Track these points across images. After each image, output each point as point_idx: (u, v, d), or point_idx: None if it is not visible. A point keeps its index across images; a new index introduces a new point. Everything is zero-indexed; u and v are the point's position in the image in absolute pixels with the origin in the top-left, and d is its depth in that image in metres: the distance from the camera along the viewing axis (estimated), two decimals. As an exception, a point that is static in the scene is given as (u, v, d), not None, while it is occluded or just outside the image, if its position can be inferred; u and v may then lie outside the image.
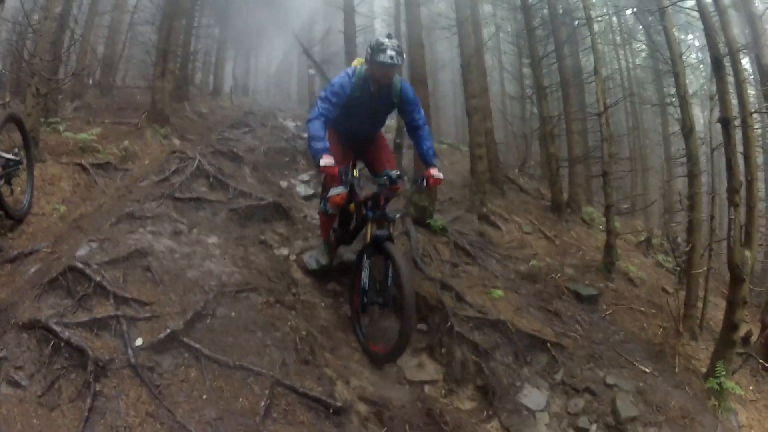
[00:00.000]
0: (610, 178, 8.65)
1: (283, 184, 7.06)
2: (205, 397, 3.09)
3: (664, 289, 8.97)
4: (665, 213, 12.10)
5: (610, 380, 4.76)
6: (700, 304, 7.48)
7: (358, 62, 4.80)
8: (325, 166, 4.28)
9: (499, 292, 5.65)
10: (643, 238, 11.33)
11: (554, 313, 5.71)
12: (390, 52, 4.33)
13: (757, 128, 7.68)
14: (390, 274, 4.35)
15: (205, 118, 9.97)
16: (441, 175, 4.72)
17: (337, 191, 4.58)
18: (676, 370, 6.05)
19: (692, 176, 7.70)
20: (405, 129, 5.38)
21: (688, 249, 8.00)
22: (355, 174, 4.73)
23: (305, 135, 9.86)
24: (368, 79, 4.63)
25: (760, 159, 7.77)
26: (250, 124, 9.98)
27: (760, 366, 7.21)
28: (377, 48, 4.38)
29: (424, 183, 4.68)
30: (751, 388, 6.65)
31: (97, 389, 2.93)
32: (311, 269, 5.28)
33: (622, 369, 5.09)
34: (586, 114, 12.24)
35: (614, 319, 6.66)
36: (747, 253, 6.39)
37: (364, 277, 4.45)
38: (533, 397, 4.41)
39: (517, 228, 7.23)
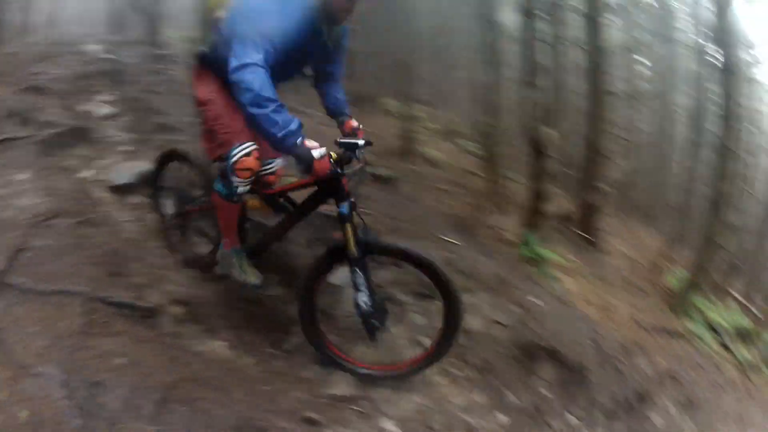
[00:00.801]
0: (411, 70, 8.75)
1: (85, 107, 6.82)
2: (35, 329, 3.03)
3: (469, 170, 9.29)
4: (471, 103, 12.52)
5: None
6: (506, 183, 7.89)
7: None
8: (321, 159, 2.77)
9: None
10: (447, 127, 11.68)
11: (352, 194, 5.63)
12: None
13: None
14: (369, 281, 3.28)
15: (17, 57, 9.43)
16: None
17: (248, 148, 3.10)
18: (485, 241, 6.20)
19: (494, 66, 8.27)
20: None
21: (492, 131, 8.29)
22: (333, 156, 3.00)
23: (106, 55, 9.73)
24: (318, 13, 3.02)
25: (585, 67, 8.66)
26: (58, 54, 9.70)
27: (584, 240, 7.75)
28: None
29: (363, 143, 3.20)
30: (573, 258, 7.08)
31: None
32: (113, 186, 4.97)
33: (427, 241, 5.21)
34: (391, 11, 12.15)
35: (416, 198, 6.81)
36: (550, 131, 6.69)
37: (364, 297, 3.23)
38: (339, 274, 4.25)
39: (311, 119, 6.90)
